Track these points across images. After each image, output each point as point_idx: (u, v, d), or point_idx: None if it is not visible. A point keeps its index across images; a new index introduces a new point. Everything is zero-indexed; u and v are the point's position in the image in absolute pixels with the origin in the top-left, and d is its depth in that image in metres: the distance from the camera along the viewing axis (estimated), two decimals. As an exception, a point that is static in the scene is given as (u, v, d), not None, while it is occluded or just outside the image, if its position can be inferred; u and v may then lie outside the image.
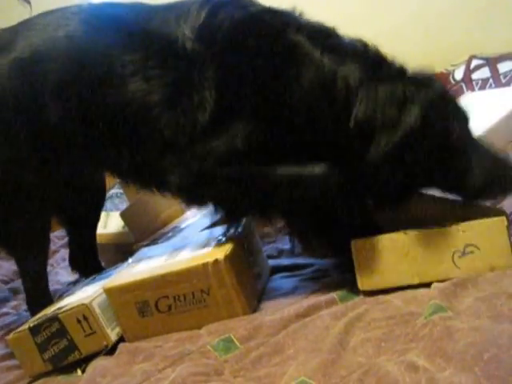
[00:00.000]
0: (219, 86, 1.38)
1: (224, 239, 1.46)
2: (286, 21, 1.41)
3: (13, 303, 2.00)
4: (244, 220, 1.58)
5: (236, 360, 1.19)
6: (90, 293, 1.49)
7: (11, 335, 1.45)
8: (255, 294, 1.45)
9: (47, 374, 1.43)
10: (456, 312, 1.12)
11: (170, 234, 1.89)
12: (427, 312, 1.14)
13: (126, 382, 1.22)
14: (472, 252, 1.25)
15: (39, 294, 1.68)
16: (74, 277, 2.00)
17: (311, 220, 1.43)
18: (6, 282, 2.24)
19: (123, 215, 1.99)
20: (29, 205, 1.59)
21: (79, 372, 1.38)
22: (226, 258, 1.35)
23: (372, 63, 1.37)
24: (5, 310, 1.95)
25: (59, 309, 1.43)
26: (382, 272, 1.30)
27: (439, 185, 1.37)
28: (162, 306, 1.38)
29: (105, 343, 1.40)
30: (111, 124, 1.46)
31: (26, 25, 1.58)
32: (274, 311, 1.35)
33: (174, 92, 1.40)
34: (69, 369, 1.41)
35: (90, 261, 1.92)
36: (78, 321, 1.39)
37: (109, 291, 1.41)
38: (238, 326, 1.30)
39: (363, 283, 1.33)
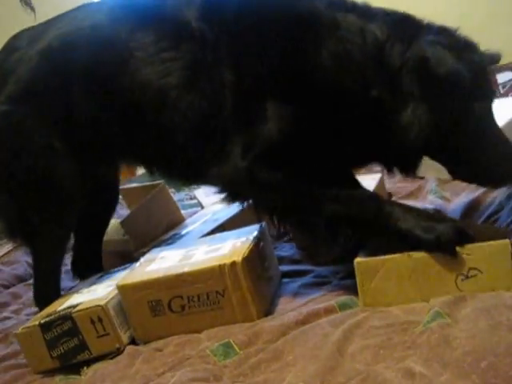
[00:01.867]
0: (235, 66, 1.39)
1: (239, 243, 1.46)
2: None
3: (13, 307, 2.00)
4: (261, 224, 1.59)
5: (235, 365, 1.20)
6: (101, 293, 1.49)
7: (20, 329, 1.46)
8: (268, 298, 1.45)
9: (45, 374, 1.43)
10: (454, 319, 1.13)
11: (169, 241, 1.89)
12: (426, 319, 1.14)
13: None
14: (475, 275, 1.24)
15: (49, 289, 1.67)
16: (75, 283, 2.00)
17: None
18: (6, 287, 2.23)
19: (124, 223, 1.99)
20: (58, 196, 1.59)
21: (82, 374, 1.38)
22: (244, 260, 1.35)
23: (405, 24, 1.38)
24: (5, 314, 1.95)
25: (71, 307, 1.43)
26: (385, 293, 1.29)
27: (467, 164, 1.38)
28: (176, 306, 1.38)
29: (117, 346, 1.40)
30: (132, 107, 1.49)
31: (57, 19, 1.64)
32: (273, 317, 1.35)
33: (190, 75, 1.42)
34: (67, 370, 1.42)
35: (93, 267, 1.90)
36: (92, 321, 1.39)
37: (122, 288, 1.41)
38: (238, 332, 1.30)
39: (366, 302, 1.31)
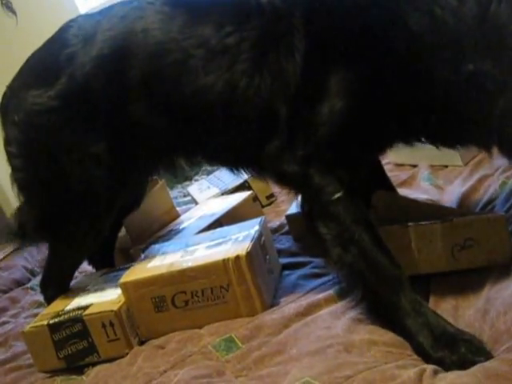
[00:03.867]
0: (309, 35, 1.28)
1: (241, 237, 1.46)
2: None
3: (12, 312, 2.00)
4: (261, 218, 1.59)
5: (238, 360, 1.20)
6: (110, 295, 1.47)
7: (27, 328, 1.46)
8: (271, 290, 1.45)
9: (46, 375, 1.43)
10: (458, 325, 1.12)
11: (166, 237, 1.89)
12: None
13: None
14: (471, 246, 1.26)
15: (59, 283, 1.65)
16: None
17: None
18: (4, 292, 2.23)
19: (124, 220, 1.96)
20: (95, 208, 1.54)
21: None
22: (248, 254, 1.35)
23: None
24: (4, 318, 1.95)
25: (82, 309, 1.43)
26: None
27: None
28: (179, 302, 1.37)
29: (126, 351, 1.40)
30: (197, 109, 1.42)
31: (105, 17, 1.54)
32: (274, 310, 1.35)
33: (258, 53, 1.33)
34: (69, 370, 1.42)
35: (107, 257, 1.90)
36: (103, 325, 1.39)
37: (124, 285, 1.40)
38: (239, 326, 1.31)
39: None
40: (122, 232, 1.98)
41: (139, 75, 1.44)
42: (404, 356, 1.07)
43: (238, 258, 1.34)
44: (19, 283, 2.28)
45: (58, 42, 1.56)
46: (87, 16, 1.61)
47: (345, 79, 1.24)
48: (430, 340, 1.07)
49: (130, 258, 1.84)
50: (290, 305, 1.35)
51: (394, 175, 2.07)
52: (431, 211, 1.37)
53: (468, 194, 1.68)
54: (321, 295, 1.35)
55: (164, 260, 1.47)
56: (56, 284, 1.65)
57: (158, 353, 1.32)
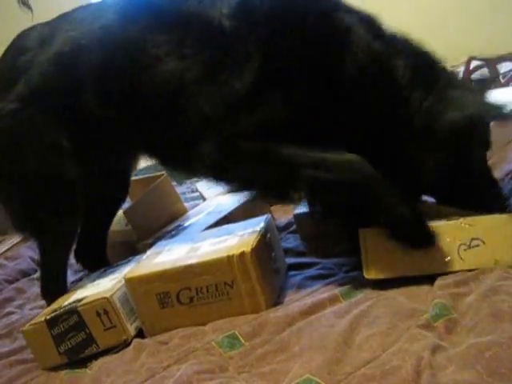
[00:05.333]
0: (261, 61, 1.38)
1: (247, 234, 1.46)
2: (334, 2, 1.46)
3: (17, 302, 2.01)
4: (267, 216, 1.60)
5: (241, 356, 1.20)
6: (106, 286, 1.49)
7: (26, 326, 1.45)
8: (276, 289, 1.45)
9: (51, 369, 1.43)
10: (459, 312, 1.13)
11: (173, 233, 1.89)
12: (433, 312, 1.15)
13: (131, 380, 1.23)
14: (477, 246, 1.26)
15: (56, 283, 1.68)
16: (77, 275, 2.01)
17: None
18: (10, 282, 2.24)
19: (127, 213, 1.99)
20: (64, 194, 1.60)
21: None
22: (252, 250, 1.34)
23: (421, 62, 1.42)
24: (9, 309, 1.95)
25: (77, 301, 1.43)
26: (388, 262, 1.30)
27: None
28: (184, 298, 1.37)
29: (124, 338, 1.40)
30: (148, 104, 1.50)
31: (64, 20, 1.63)
32: (278, 308, 1.35)
33: (210, 68, 1.42)
34: (73, 364, 1.42)
35: (97, 255, 1.92)
36: (98, 314, 1.39)
37: (129, 281, 1.40)
38: (243, 323, 1.30)
39: (369, 272, 1.33)
40: (126, 226, 2.00)
41: (93, 69, 1.51)
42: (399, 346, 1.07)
43: (242, 254, 1.34)
44: (25, 274, 2.28)
45: (15, 50, 1.64)
46: (46, 23, 1.66)
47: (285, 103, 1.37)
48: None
49: (136, 253, 1.83)
50: (294, 303, 1.35)
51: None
52: (436, 211, 1.37)
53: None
54: (326, 294, 1.35)
55: (169, 256, 1.47)
56: (53, 283, 1.68)
57: (162, 348, 1.32)
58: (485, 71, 3.09)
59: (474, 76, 3.04)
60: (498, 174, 1.75)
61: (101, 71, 1.52)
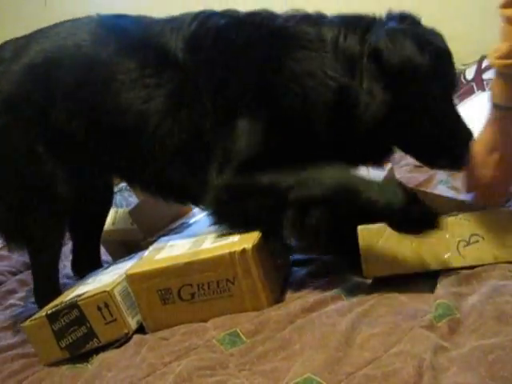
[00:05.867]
0: (214, 93, 1.44)
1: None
2: (271, 18, 1.49)
3: (20, 295, 2.00)
4: None
5: (241, 354, 1.19)
6: (107, 281, 1.48)
7: (27, 322, 1.45)
8: (279, 286, 1.45)
9: (52, 364, 1.43)
10: (463, 313, 1.13)
11: (177, 230, 1.88)
12: (437, 312, 1.14)
13: (132, 375, 1.23)
14: (477, 241, 1.26)
15: (49, 287, 1.69)
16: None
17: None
18: (14, 274, 2.24)
19: (132, 213, 2.00)
20: (47, 197, 1.61)
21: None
22: (254, 247, 1.34)
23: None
24: (12, 301, 1.95)
25: (78, 296, 1.43)
26: (387, 259, 1.30)
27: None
28: (185, 294, 1.37)
29: (125, 331, 1.40)
30: (113, 129, 1.53)
31: (39, 33, 1.65)
32: (279, 305, 1.35)
33: (171, 103, 1.46)
34: (74, 359, 1.42)
35: (93, 266, 1.90)
36: (99, 308, 1.39)
37: (131, 277, 1.40)
38: (245, 321, 1.30)
39: (368, 270, 1.33)
40: (131, 225, 2.01)
41: (65, 85, 1.54)
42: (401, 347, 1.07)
43: (244, 250, 1.33)
44: (29, 266, 2.19)
45: None
46: (22, 36, 1.68)
47: (241, 126, 1.41)
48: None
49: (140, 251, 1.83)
50: (296, 301, 1.35)
51: (411, 176, 2.07)
52: (438, 203, 1.36)
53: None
54: (328, 293, 1.34)
55: (171, 252, 1.46)
56: (45, 287, 1.69)
57: (163, 344, 1.32)
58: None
59: (487, 75, 3.01)
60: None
61: (70, 88, 1.54)
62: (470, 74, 2.94)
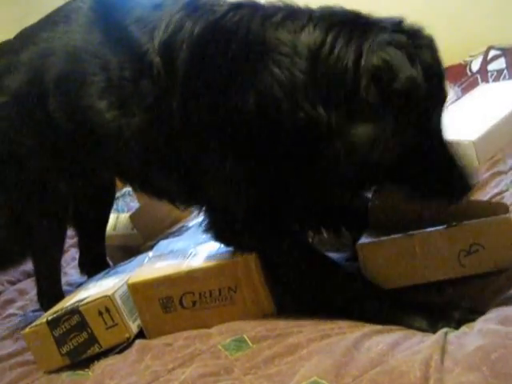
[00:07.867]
0: (186, 119, 1.35)
1: None
2: (249, 20, 1.30)
3: (19, 304, 1.99)
4: None
5: (247, 358, 1.18)
6: (108, 286, 1.48)
7: (27, 329, 1.44)
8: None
9: (52, 371, 1.41)
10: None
11: (177, 234, 1.90)
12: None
13: (135, 383, 1.21)
14: (477, 251, 1.25)
15: (52, 290, 1.69)
16: (83, 278, 1.99)
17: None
18: (12, 283, 2.22)
19: (132, 217, 2.00)
20: (46, 199, 1.60)
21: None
22: (256, 255, 1.33)
23: None
24: (11, 310, 1.94)
25: (79, 301, 1.42)
26: (389, 274, 1.29)
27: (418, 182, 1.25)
28: (187, 302, 1.36)
29: (127, 335, 1.39)
30: (90, 130, 1.49)
31: (45, 19, 1.64)
32: (286, 313, 1.34)
33: (145, 117, 1.41)
34: (74, 366, 1.40)
35: (98, 263, 1.92)
36: (100, 313, 1.38)
37: (132, 286, 1.39)
38: (250, 326, 1.28)
39: None
40: (132, 230, 2.01)
41: (56, 73, 1.51)
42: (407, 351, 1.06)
43: (246, 259, 1.33)
44: (29, 274, 2.23)
45: None
46: (30, 26, 1.68)
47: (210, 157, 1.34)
48: (424, 323, 1.15)
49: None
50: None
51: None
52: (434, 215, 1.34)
53: (479, 186, 1.71)
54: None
55: (172, 259, 1.46)
56: (48, 287, 1.70)
57: (166, 350, 1.30)
58: (502, 62, 3.03)
59: (491, 67, 2.99)
60: (502, 167, 1.82)
61: (60, 77, 1.52)
62: (475, 65, 2.90)
